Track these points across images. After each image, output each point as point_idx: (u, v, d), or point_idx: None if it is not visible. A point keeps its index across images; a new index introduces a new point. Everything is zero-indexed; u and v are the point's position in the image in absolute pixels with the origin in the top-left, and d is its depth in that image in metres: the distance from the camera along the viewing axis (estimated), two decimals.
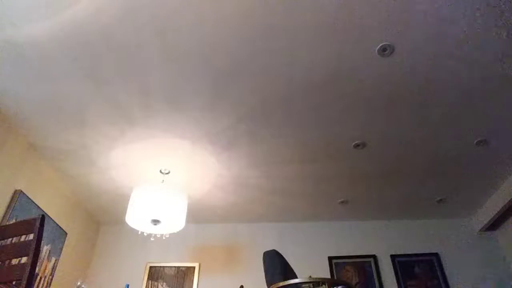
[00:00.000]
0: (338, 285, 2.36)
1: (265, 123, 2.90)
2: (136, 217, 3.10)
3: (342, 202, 3.98)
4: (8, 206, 2.82)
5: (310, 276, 2.43)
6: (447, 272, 3.92)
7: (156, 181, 3.52)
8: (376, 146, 3.17)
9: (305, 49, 2.32)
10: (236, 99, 2.68)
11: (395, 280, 3.90)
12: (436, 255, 4.04)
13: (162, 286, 3.87)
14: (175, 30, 2.19)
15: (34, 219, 1.52)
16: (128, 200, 3.62)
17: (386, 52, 2.33)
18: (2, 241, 1.85)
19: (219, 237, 4.25)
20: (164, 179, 3.50)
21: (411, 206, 4.09)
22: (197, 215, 4.16)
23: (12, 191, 2.87)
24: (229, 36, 2.24)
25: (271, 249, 2.66)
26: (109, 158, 3.25)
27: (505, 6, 2.09)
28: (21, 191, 2.93)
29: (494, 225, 4.05)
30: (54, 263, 3.40)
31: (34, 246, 1.43)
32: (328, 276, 3.92)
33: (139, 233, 4.05)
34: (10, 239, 1.70)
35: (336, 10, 2.10)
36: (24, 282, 1.35)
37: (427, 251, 4.08)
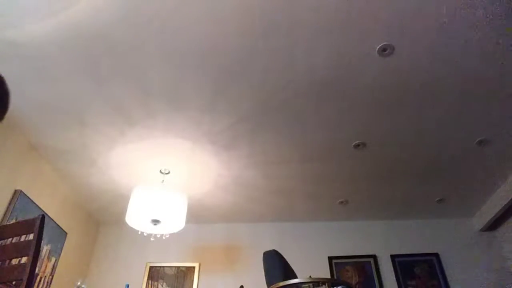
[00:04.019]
0: (338, 285, 2.36)
1: (265, 123, 2.90)
2: (136, 217, 3.10)
3: (342, 202, 3.98)
4: (8, 206, 2.82)
5: (310, 276, 2.43)
6: (447, 272, 3.92)
7: (156, 181, 3.52)
8: (376, 146, 3.17)
9: (305, 49, 2.32)
10: (236, 99, 2.68)
11: (395, 280, 3.90)
12: (436, 255, 4.04)
13: (162, 286, 3.87)
14: (174, 29, 2.19)
15: (34, 219, 1.52)
16: (128, 200, 3.61)
17: (386, 52, 2.33)
18: (2, 241, 1.85)
19: (219, 237, 4.25)
20: (164, 179, 3.50)
21: (411, 206, 4.09)
22: (197, 215, 4.16)
23: (12, 191, 2.87)
24: (229, 36, 2.23)
25: (271, 249, 2.66)
26: (109, 158, 3.25)
27: (505, 9, 2.09)
28: (21, 191, 2.93)
29: (494, 225, 4.05)
30: (54, 263, 3.40)
31: (34, 246, 1.43)
32: (328, 276, 3.92)
33: (139, 233, 4.05)
34: (10, 239, 1.70)
35: (336, 10, 2.10)
36: (24, 282, 1.35)
37: (427, 251, 4.08)
